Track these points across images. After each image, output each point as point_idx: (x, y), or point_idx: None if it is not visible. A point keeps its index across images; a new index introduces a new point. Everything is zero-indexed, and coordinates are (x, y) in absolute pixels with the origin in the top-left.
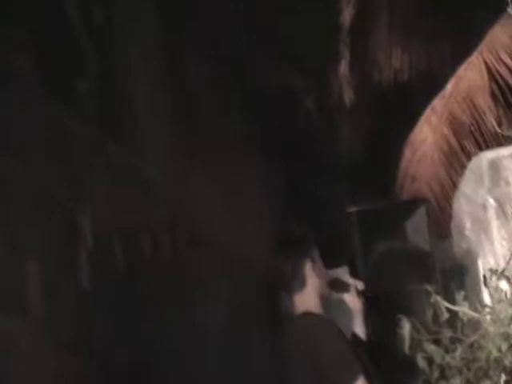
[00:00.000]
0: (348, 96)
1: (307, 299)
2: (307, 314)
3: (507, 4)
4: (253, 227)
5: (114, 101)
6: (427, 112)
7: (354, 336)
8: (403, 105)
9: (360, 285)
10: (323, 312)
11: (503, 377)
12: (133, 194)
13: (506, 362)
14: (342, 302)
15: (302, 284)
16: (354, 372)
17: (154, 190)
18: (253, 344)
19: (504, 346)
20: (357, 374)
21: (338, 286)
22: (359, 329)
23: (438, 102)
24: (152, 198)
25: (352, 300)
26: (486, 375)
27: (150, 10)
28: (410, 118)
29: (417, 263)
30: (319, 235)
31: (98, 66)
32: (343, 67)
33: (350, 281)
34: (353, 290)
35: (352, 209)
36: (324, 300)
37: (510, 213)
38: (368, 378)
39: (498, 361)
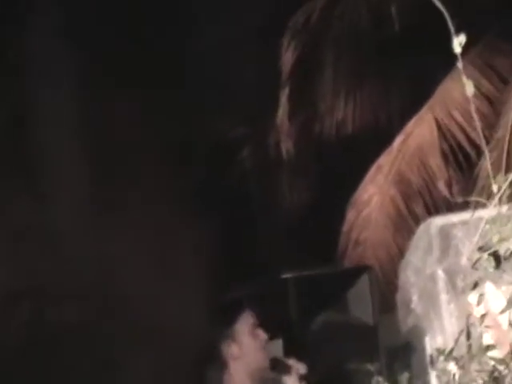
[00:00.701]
0: (286, 148)
1: (240, 376)
2: None
3: (457, 58)
4: (182, 291)
5: (26, 150)
6: (372, 170)
7: None
8: (346, 161)
9: (302, 368)
10: None
11: None
12: (38, 252)
13: None
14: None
15: (224, 364)
16: None
17: (65, 248)
18: None
19: None
20: None
21: (277, 365)
22: None
23: (384, 159)
24: (61, 257)
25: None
26: None
27: (71, 49)
28: (354, 175)
29: (359, 339)
30: (254, 302)
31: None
32: (281, 116)
33: (291, 362)
34: (294, 373)
35: (289, 275)
36: (260, 379)
37: (460, 287)
38: None
39: None
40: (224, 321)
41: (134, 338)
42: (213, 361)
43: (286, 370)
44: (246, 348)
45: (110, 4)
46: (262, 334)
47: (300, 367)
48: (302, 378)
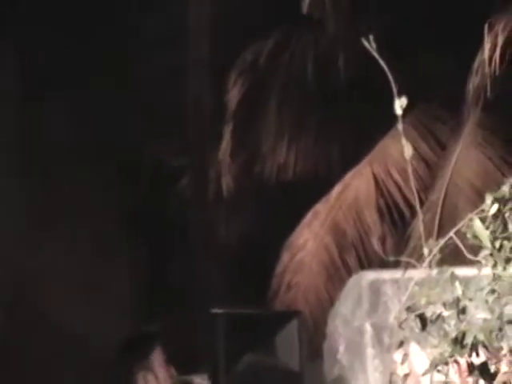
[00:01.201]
0: (226, 183)
1: None
2: None
3: (397, 120)
4: (106, 314)
5: None
6: (309, 215)
7: None
8: (284, 202)
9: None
10: None
11: None
12: None
13: None
14: None
15: None
16: None
17: None
18: None
19: None
20: None
21: None
22: None
23: (321, 207)
24: None
25: None
26: None
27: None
28: (291, 219)
29: (283, 382)
30: (170, 337)
31: None
32: (224, 152)
33: (197, 380)
34: None
35: (219, 310)
36: None
37: (386, 343)
38: None
39: None
40: (139, 352)
41: (52, 353)
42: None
43: None
44: (161, 380)
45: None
46: (173, 370)
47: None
48: None
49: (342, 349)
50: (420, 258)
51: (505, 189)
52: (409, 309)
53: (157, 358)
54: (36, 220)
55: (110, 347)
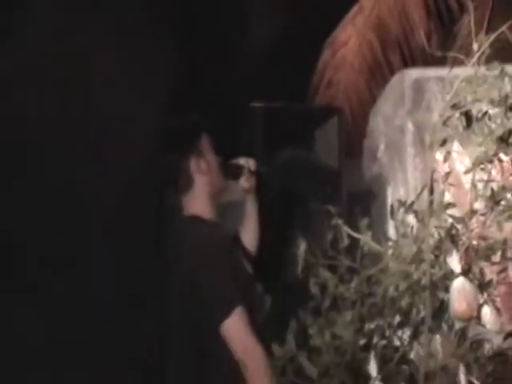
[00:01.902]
0: None
1: (196, 201)
2: (194, 219)
3: None
4: (134, 108)
5: None
6: (353, 10)
7: (244, 250)
8: None
9: (252, 164)
10: (213, 216)
11: (397, 318)
12: None
13: (403, 303)
14: (236, 206)
15: (190, 182)
16: (229, 297)
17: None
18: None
19: (402, 286)
20: (233, 301)
21: (231, 170)
22: (251, 235)
23: (366, 2)
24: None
25: (247, 185)
26: (380, 313)
27: None
28: (333, 13)
29: (322, 179)
30: (215, 126)
31: None
32: None
33: (242, 161)
34: (246, 173)
35: (258, 104)
36: (214, 201)
37: (428, 142)
38: (251, 301)
39: (394, 300)
40: (185, 139)
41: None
42: (175, 181)
43: (238, 172)
44: (213, 165)
45: None
46: (218, 158)
47: (251, 164)
48: (252, 173)
49: (382, 147)
50: (468, 55)
51: None
52: (454, 106)
53: (205, 143)
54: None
55: (152, 139)
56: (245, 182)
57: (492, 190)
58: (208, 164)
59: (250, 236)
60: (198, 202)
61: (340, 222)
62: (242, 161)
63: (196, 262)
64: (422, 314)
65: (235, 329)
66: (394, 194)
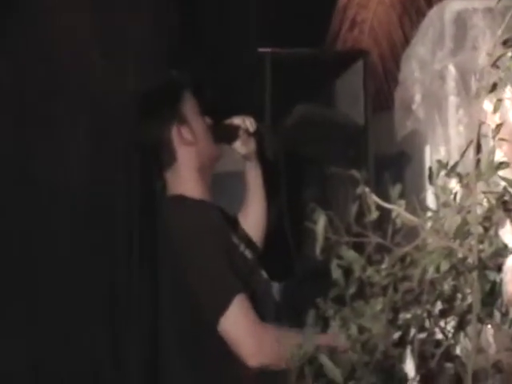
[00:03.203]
0: None
1: (181, 178)
2: (177, 199)
3: None
4: (126, 65)
5: None
6: None
7: (243, 233)
8: None
9: (251, 125)
10: (203, 193)
11: (439, 305)
12: None
13: (445, 287)
14: (232, 177)
15: (172, 155)
16: (226, 285)
17: None
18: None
19: (444, 266)
20: (231, 288)
21: (224, 133)
22: (253, 217)
23: None
24: None
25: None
26: (417, 301)
27: None
28: None
29: (344, 139)
30: (208, 81)
31: None
32: None
33: (236, 120)
34: (243, 134)
35: (267, 49)
36: (206, 175)
37: (474, 89)
38: (253, 292)
39: (434, 284)
40: (161, 103)
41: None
42: (156, 156)
43: (232, 134)
44: (199, 132)
45: None
46: (207, 120)
47: (248, 124)
48: (251, 135)
49: (417, 98)
50: None
51: None
52: (506, 43)
53: (189, 106)
54: None
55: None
56: (241, 147)
57: None
58: (193, 132)
59: (252, 219)
60: (183, 180)
61: (367, 190)
62: (237, 120)
63: (181, 246)
64: (469, 299)
65: (239, 319)
66: (432, 154)
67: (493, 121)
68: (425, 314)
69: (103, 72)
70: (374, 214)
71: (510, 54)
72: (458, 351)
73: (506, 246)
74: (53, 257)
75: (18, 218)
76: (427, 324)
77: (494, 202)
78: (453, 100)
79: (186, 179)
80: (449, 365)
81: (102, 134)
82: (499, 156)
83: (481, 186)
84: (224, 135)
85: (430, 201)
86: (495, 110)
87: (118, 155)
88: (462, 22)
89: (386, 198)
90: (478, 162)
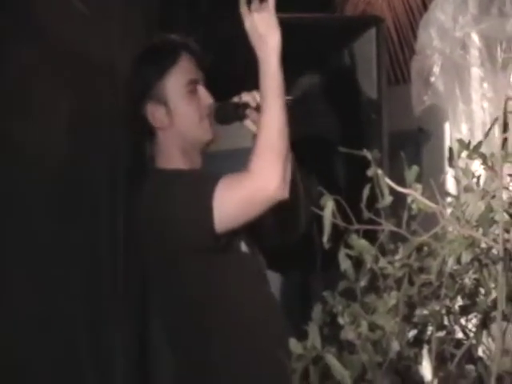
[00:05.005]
0: None
1: (163, 156)
2: (161, 170)
3: None
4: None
5: None
6: None
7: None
8: None
9: (253, 100)
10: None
11: (459, 301)
12: None
13: (466, 280)
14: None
15: (151, 133)
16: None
17: None
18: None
19: (466, 257)
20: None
21: (232, 112)
22: None
23: None
24: None
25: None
26: (435, 295)
27: None
28: None
29: (355, 114)
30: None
31: None
32: None
33: (246, 97)
34: (253, 112)
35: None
36: (194, 156)
37: (500, 59)
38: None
39: (454, 277)
40: (150, 71)
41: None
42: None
43: (241, 113)
44: (180, 113)
45: None
46: (205, 96)
47: (259, 100)
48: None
49: (436, 69)
50: None
51: None
52: None
53: (174, 85)
54: None
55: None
56: (252, 125)
57: None
58: (171, 114)
59: None
60: (165, 155)
61: (380, 172)
62: (246, 97)
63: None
64: (493, 295)
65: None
66: (453, 132)
67: None
68: (443, 311)
69: (87, 39)
70: (388, 199)
71: None
72: (480, 352)
73: None
74: (30, 237)
75: None
76: (446, 321)
77: None
78: (476, 72)
79: (167, 156)
80: (470, 367)
81: (86, 104)
82: None
83: (507, 168)
84: (232, 114)
85: (450, 185)
86: None
87: (102, 125)
88: None
89: (401, 182)
90: (505, 141)
